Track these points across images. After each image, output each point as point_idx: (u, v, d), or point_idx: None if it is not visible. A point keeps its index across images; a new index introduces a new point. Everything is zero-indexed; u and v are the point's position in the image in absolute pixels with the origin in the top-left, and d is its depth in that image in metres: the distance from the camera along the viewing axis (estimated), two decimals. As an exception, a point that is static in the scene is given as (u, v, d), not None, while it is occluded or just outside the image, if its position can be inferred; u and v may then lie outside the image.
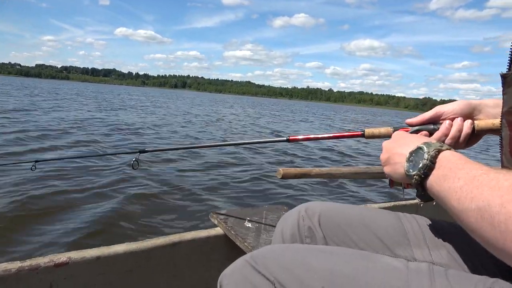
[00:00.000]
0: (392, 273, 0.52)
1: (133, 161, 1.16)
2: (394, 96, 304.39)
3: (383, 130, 0.82)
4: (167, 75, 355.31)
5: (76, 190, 3.35)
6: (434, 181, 0.51)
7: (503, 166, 0.65)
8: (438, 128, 0.74)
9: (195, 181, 4.14)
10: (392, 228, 0.73)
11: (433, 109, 0.77)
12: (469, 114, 0.75)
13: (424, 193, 0.55)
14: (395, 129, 0.79)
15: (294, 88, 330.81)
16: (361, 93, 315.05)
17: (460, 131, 0.73)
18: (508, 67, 0.59)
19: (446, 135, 0.73)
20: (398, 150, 0.61)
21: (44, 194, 3.12)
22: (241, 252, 1.19)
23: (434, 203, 0.59)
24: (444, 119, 0.75)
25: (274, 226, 0.86)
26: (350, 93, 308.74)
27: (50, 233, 2.46)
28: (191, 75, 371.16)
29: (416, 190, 0.58)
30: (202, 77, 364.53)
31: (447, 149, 0.53)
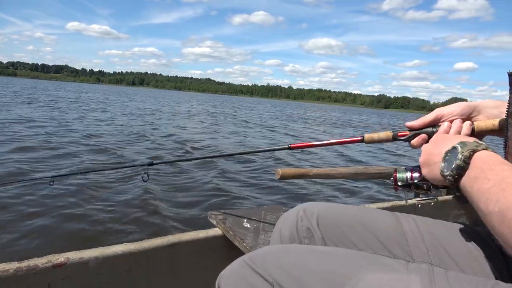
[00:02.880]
0: (392, 275, 0.52)
1: (143, 173, 1.18)
2: (351, 93, 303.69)
3: (382, 134, 0.82)
4: (124, 72, 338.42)
5: (73, 191, 3.35)
6: (466, 182, 0.50)
7: None
8: (437, 130, 0.75)
9: (194, 181, 4.14)
10: (390, 229, 0.73)
11: (433, 112, 0.77)
12: (469, 116, 0.75)
13: (461, 194, 0.53)
14: (395, 133, 0.80)
15: (255, 85, 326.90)
16: (319, 90, 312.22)
17: (459, 132, 0.73)
18: None
19: None
20: (436, 150, 0.60)
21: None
22: (240, 253, 1.19)
23: (432, 203, 0.59)
24: (444, 121, 0.75)
25: (273, 227, 0.86)
26: (309, 91, 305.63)
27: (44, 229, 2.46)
28: (149, 72, 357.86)
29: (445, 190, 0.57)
30: (160, 74, 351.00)
31: (484, 149, 0.51)
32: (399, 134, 0.79)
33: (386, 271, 0.53)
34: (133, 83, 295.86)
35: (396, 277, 0.51)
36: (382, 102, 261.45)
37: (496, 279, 0.51)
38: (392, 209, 1.89)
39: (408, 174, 0.72)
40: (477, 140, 0.55)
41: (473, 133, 0.74)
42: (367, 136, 0.83)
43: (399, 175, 0.73)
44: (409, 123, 0.78)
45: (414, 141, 0.76)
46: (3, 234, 2.36)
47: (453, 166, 0.51)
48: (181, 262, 1.28)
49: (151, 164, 1.22)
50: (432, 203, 1.79)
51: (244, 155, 4.91)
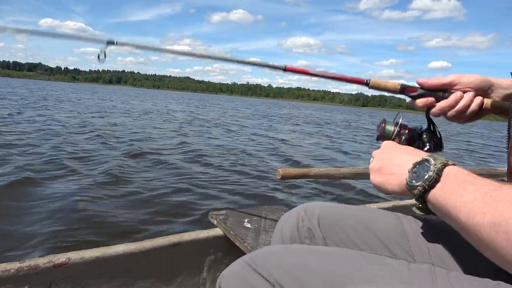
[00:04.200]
0: (394, 275, 0.52)
1: (99, 53, 0.89)
2: (330, 91, 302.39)
3: (390, 84, 0.76)
4: (100, 70, 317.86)
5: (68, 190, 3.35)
6: (438, 194, 0.51)
7: (509, 167, 0.65)
8: (447, 97, 0.72)
9: (194, 181, 4.14)
10: (391, 229, 0.73)
11: (450, 76, 0.73)
12: (484, 90, 0.73)
13: (423, 206, 0.55)
14: (403, 87, 0.75)
15: (234, 84, 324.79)
16: (299, 89, 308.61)
17: (468, 107, 0.71)
18: None
19: (452, 107, 0.71)
20: (396, 160, 0.60)
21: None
22: (240, 253, 1.19)
23: None
24: (458, 89, 0.72)
25: (274, 227, 0.86)
26: (289, 89, 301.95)
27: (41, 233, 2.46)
28: (126, 70, 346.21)
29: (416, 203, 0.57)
30: (138, 72, 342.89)
31: (453, 164, 0.53)
32: (408, 89, 0.74)
33: (388, 271, 0.52)
34: (110, 82, 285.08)
35: (398, 278, 0.51)
36: (360, 101, 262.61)
37: (498, 280, 0.51)
38: (393, 209, 1.89)
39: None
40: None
41: (480, 109, 0.72)
42: (373, 80, 0.76)
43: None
44: (421, 80, 0.74)
45: (419, 101, 0.72)
46: None
47: (426, 177, 0.52)
48: (182, 262, 1.28)
49: (111, 42, 0.90)
50: None
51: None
